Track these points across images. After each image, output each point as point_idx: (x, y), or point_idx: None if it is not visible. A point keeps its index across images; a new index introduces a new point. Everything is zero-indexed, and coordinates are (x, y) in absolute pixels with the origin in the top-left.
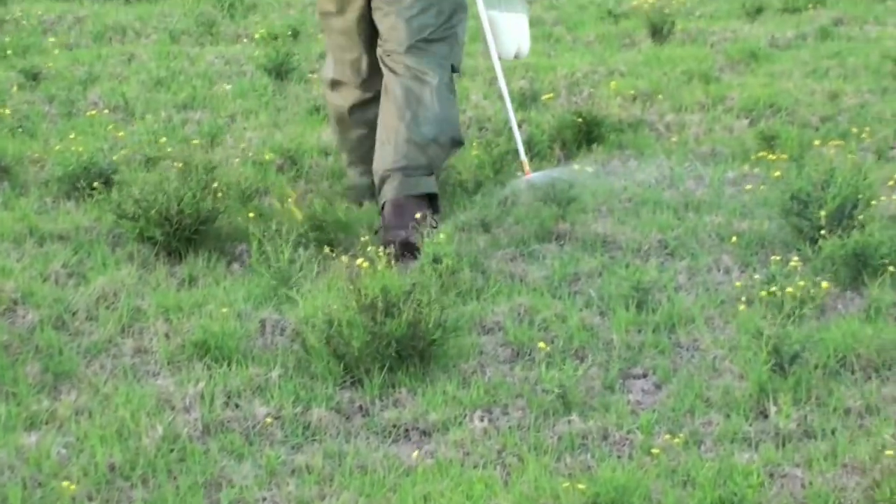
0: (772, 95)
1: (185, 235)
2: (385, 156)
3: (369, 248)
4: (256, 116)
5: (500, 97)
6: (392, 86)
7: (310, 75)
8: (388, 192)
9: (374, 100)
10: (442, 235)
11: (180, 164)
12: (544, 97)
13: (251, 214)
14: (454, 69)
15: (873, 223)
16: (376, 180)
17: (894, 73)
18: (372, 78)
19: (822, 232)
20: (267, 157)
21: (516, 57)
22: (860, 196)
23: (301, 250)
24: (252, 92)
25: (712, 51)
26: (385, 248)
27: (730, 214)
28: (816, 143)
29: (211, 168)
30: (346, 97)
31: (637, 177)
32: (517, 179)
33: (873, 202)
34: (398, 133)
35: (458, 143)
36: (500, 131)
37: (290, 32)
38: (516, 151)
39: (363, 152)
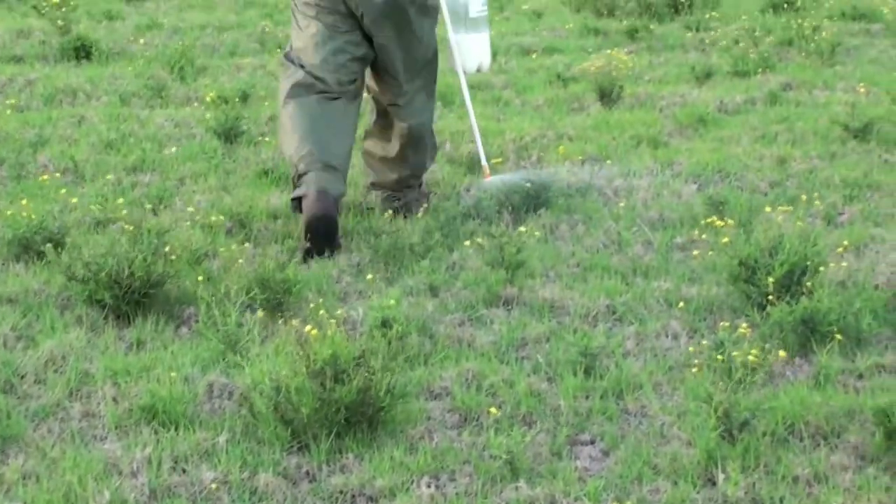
0: (720, 160)
1: (134, 298)
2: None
3: (321, 313)
4: (205, 179)
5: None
6: (397, 129)
7: (259, 138)
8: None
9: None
10: (391, 300)
11: (131, 228)
12: (493, 161)
13: (200, 278)
14: None
15: (822, 290)
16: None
17: (843, 139)
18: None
19: (771, 298)
20: (215, 220)
21: (479, 70)
22: (808, 262)
23: (249, 314)
24: (201, 155)
25: (661, 115)
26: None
27: (678, 280)
28: (765, 208)
29: (163, 232)
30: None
31: (585, 242)
32: (479, 181)
33: (822, 269)
34: (405, 162)
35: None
36: (448, 196)
37: (239, 96)
38: (466, 215)
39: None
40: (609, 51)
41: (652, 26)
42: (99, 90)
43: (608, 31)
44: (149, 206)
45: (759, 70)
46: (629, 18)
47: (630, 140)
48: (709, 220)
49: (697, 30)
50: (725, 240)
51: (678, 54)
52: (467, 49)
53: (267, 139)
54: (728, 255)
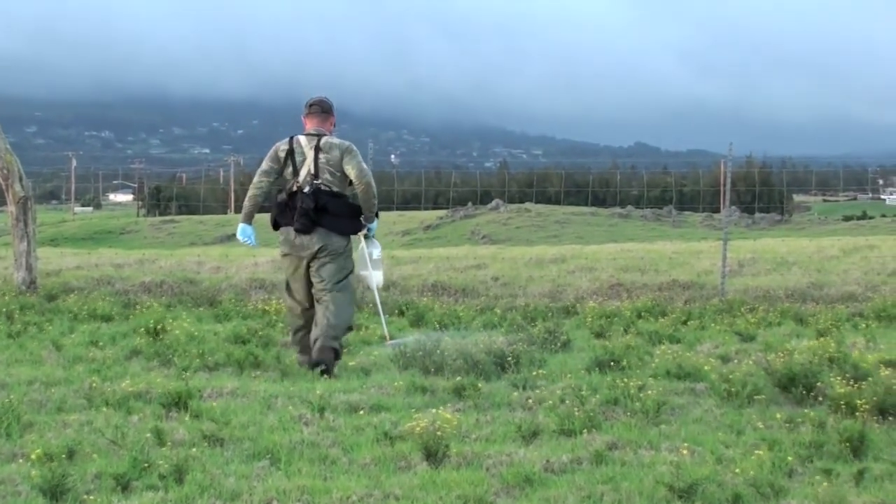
0: None
1: None
2: (318, 332)
3: None
4: None
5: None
6: (321, 305)
7: (85, 496)
8: (318, 344)
9: (307, 325)
10: None
11: None
12: None
13: None
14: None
15: None
16: (312, 342)
17: (668, 499)
18: (307, 311)
19: None
20: None
21: (378, 287)
22: None
23: None
24: None
25: (487, 475)
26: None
27: None
28: None
29: None
30: (294, 321)
31: None
32: (382, 345)
33: None
34: (323, 323)
35: (351, 328)
36: None
37: (66, 453)
38: None
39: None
40: (436, 409)
41: (479, 384)
42: None
43: (435, 389)
44: None
45: (585, 429)
46: (456, 376)
47: (457, 500)
48: None
49: (524, 388)
50: None
51: (505, 412)
52: (373, 275)
53: (92, 497)
54: None
